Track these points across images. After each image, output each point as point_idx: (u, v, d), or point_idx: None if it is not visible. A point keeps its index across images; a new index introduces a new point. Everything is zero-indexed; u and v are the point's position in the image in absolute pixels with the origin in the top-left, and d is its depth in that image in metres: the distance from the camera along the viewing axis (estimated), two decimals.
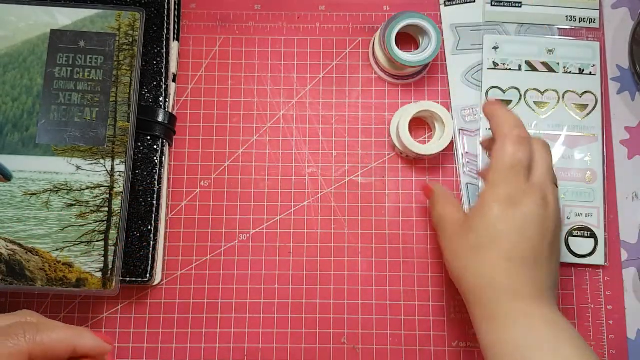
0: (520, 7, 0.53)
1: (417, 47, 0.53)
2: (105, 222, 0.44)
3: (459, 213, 0.43)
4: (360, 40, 0.54)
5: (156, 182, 0.48)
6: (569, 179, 0.51)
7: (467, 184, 0.51)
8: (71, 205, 0.45)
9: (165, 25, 0.49)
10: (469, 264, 0.40)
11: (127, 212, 0.45)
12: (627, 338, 0.49)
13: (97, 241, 0.44)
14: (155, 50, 0.49)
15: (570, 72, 0.52)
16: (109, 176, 0.45)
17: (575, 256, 0.50)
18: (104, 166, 0.45)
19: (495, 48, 0.53)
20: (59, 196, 0.45)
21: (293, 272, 0.50)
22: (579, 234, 0.50)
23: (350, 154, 0.52)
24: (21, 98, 0.46)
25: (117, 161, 0.45)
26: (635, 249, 0.51)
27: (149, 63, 0.48)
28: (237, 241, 0.50)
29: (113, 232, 0.44)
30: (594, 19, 0.53)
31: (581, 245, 0.50)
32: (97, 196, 0.45)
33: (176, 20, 0.51)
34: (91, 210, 0.45)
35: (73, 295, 0.49)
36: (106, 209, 0.45)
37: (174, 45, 0.51)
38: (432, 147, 0.48)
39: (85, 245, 0.44)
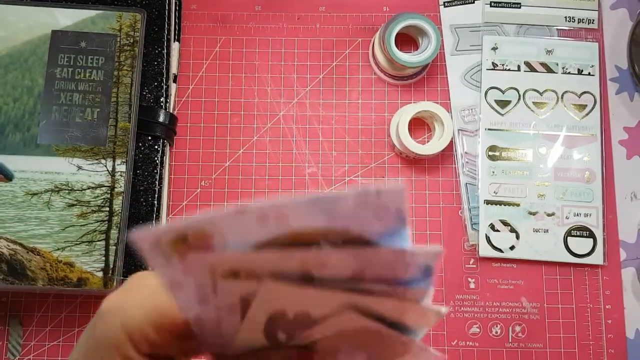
0: (520, 7, 0.54)
1: (416, 47, 0.53)
2: (106, 222, 0.45)
3: None
4: (360, 41, 0.54)
5: (157, 182, 0.48)
6: (567, 178, 0.51)
7: (466, 184, 0.51)
8: (72, 205, 0.45)
9: (166, 26, 0.49)
10: None
11: (128, 212, 0.46)
12: (625, 337, 0.49)
13: (98, 241, 0.44)
14: (156, 51, 0.49)
15: (569, 73, 0.52)
16: (110, 176, 0.45)
17: (574, 256, 0.50)
18: (105, 166, 0.45)
19: (494, 49, 0.53)
20: (60, 196, 0.45)
21: None
22: (578, 233, 0.50)
23: (350, 154, 0.52)
24: (22, 98, 0.46)
25: (118, 161, 0.45)
26: (633, 249, 0.51)
27: (149, 64, 0.49)
28: None
29: (114, 232, 0.45)
30: (593, 20, 0.54)
31: (580, 245, 0.50)
32: (98, 196, 0.45)
33: (177, 21, 0.52)
34: (92, 210, 0.45)
35: (74, 294, 0.49)
36: (107, 208, 0.45)
37: (175, 46, 0.51)
38: (432, 147, 0.48)
39: (87, 245, 0.44)
